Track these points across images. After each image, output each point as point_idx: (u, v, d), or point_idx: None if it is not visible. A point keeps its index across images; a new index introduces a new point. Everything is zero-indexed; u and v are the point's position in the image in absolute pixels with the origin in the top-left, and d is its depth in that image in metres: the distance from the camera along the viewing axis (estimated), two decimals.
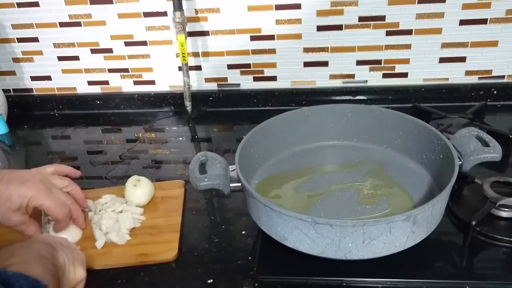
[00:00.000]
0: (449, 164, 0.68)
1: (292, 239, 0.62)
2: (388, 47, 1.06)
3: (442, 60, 1.07)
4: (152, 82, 1.17)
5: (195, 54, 1.12)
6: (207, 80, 1.15)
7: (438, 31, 1.03)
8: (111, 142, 1.06)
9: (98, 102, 1.19)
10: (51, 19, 1.11)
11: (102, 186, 0.87)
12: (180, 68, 1.13)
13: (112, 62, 1.15)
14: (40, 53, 1.16)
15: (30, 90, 1.21)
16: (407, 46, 1.06)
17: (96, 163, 0.97)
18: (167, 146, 1.02)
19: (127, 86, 1.18)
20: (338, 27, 1.05)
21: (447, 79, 1.09)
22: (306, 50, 1.08)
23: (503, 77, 1.08)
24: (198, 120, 1.13)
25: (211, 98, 1.15)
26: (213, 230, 0.75)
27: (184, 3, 1.04)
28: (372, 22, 1.04)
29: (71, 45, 1.14)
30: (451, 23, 1.02)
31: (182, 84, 1.12)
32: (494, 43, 1.04)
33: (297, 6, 1.03)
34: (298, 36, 1.07)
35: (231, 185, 0.69)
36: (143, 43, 1.12)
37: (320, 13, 1.04)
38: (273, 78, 1.13)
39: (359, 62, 1.09)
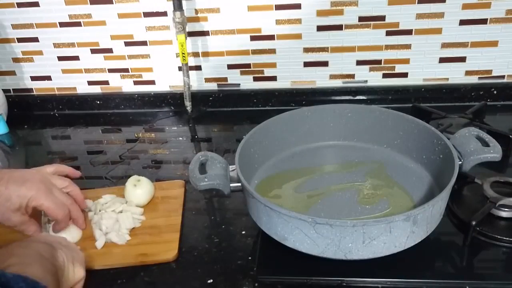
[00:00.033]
0: (449, 164, 0.68)
1: (292, 239, 0.62)
2: (388, 47, 1.06)
3: (442, 60, 1.07)
4: (152, 82, 1.17)
5: (195, 54, 1.12)
6: (207, 80, 1.15)
7: (438, 31, 1.03)
8: (111, 142, 1.06)
9: (98, 102, 1.19)
10: (51, 19, 1.11)
11: (102, 186, 0.87)
12: (180, 68, 1.13)
13: (112, 62, 1.15)
14: (40, 53, 1.16)
15: (30, 90, 1.21)
16: (407, 46, 1.06)
17: (96, 163, 0.97)
18: (167, 146, 1.02)
19: (127, 86, 1.18)
20: (338, 27, 1.05)
21: (447, 79, 1.09)
22: (306, 50, 1.08)
23: (503, 77, 1.08)
24: (198, 120, 1.13)
25: (211, 98, 1.15)
26: (213, 230, 0.75)
27: (184, 3, 1.04)
28: (372, 22, 1.04)
29: (71, 45, 1.14)
30: (451, 23, 1.02)
31: (182, 84, 1.12)
32: (494, 43, 1.04)
33: (297, 6, 1.03)
34: (298, 36, 1.07)
35: (231, 185, 0.69)
36: (143, 43, 1.12)
37: (320, 13, 1.04)
38: (273, 78, 1.13)
39: (359, 62, 1.09)
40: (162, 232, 0.73)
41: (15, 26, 1.13)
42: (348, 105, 0.86)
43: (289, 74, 1.12)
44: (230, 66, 1.12)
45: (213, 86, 1.16)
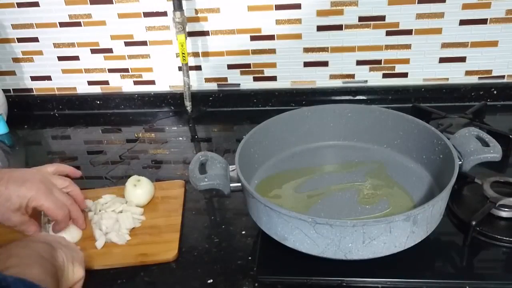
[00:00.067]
0: (449, 164, 0.68)
1: (292, 239, 0.62)
2: (388, 47, 1.06)
3: (442, 60, 1.07)
4: (152, 82, 1.17)
5: (195, 54, 1.12)
6: (207, 80, 1.15)
7: (438, 31, 1.03)
8: (111, 142, 1.06)
9: (98, 102, 1.19)
10: (51, 19, 1.11)
11: (102, 186, 0.87)
12: (180, 68, 1.13)
13: (112, 62, 1.15)
14: (40, 53, 1.16)
15: (30, 90, 1.22)
16: (407, 46, 1.06)
17: (96, 163, 0.97)
18: (167, 146, 1.02)
19: (127, 86, 1.18)
20: (338, 27, 1.05)
21: (447, 79, 1.09)
22: (306, 50, 1.08)
23: (503, 77, 1.08)
24: (198, 120, 1.13)
25: (211, 98, 1.15)
26: (213, 230, 0.75)
27: (184, 3, 1.04)
28: (372, 22, 1.04)
29: (71, 45, 1.14)
30: (451, 23, 1.02)
31: (182, 84, 1.12)
32: (494, 43, 1.04)
33: (297, 6, 1.03)
34: (298, 36, 1.07)
35: (231, 185, 0.69)
36: (143, 43, 1.12)
37: (320, 13, 1.04)
38: (273, 78, 1.13)
39: (359, 62, 1.09)
40: (162, 232, 0.73)
41: (15, 26, 1.13)
42: (348, 105, 0.86)
43: (289, 74, 1.12)
44: (230, 66, 1.12)
45: (213, 86, 1.16)
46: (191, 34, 1.09)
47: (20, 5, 1.09)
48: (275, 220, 0.62)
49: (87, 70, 1.17)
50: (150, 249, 0.70)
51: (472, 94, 1.08)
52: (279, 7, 1.04)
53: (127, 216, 0.75)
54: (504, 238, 0.67)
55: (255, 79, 1.14)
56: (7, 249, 0.55)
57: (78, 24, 1.11)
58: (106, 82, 1.18)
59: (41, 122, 1.18)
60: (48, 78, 1.19)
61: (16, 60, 1.17)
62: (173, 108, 1.17)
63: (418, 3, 1.00)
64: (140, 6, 1.07)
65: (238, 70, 1.13)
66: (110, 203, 0.78)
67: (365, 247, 0.59)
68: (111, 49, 1.13)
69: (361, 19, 1.03)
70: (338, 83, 1.12)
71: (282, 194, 0.76)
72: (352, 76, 1.11)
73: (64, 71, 1.18)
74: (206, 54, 1.11)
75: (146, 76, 1.16)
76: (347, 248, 0.59)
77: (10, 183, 0.64)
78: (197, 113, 1.15)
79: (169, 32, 1.09)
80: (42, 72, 1.19)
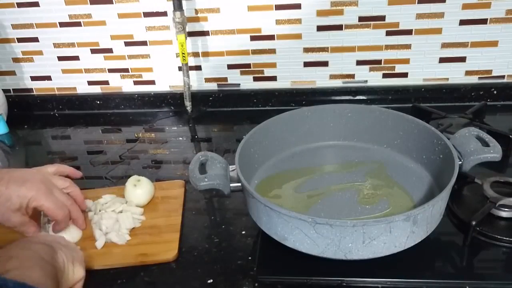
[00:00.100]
0: (449, 164, 0.68)
1: (292, 239, 0.62)
2: (388, 47, 1.06)
3: (442, 60, 1.07)
4: (152, 82, 1.17)
5: (195, 54, 1.12)
6: (207, 80, 1.15)
7: (438, 31, 1.03)
8: (111, 142, 1.06)
9: (98, 102, 1.19)
10: (51, 19, 1.11)
11: (102, 186, 0.87)
12: (180, 68, 1.13)
13: (112, 62, 1.15)
14: (40, 53, 1.16)
15: (30, 90, 1.22)
16: (407, 46, 1.06)
17: (96, 163, 0.97)
18: (167, 146, 1.02)
19: (127, 86, 1.18)
20: (338, 27, 1.05)
21: (447, 79, 1.09)
22: (306, 50, 1.08)
23: (503, 77, 1.08)
24: (198, 120, 1.13)
25: (211, 98, 1.15)
26: (213, 230, 0.75)
27: (184, 3, 1.04)
28: (372, 22, 1.04)
29: (71, 45, 1.14)
30: (451, 23, 1.02)
31: (182, 84, 1.12)
32: (494, 43, 1.04)
33: (297, 6, 1.03)
34: (298, 36, 1.07)
35: (231, 185, 0.69)
36: (143, 43, 1.12)
37: (320, 13, 1.04)
38: (273, 78, 1.13)
39: (359, 62, 1.09)
40: (162, 232, 0.73)
41: (15, 26, 1.13)
42: (348, 105, 0.86)
43: (289, 74, 1.12)
44: (230, 66, 1.12)
45: (213, 86, 1.16)
46: (191, 34, 1.09)
47: (20, 5, 1.09)
48: (275, 220, 0.62)
49: (87, 70, 1.17)
50: (150, 249, 0.70)
51: (472, 94, 1.08)
52: (279, 7, 1.04)
53: (127, 216, 0.75)
54: (504, 238, 0.67)
55: (255, 79, 1.14)
56: (7, 250, 0.55)
57: (78, 24, 1.11)
58: (106, 82, 1.18)
59: (41, 122, 1.18)
60: (48, 78, 1.19)
61: (16, 60, 1.17)
62: (173, 108, 1.17)
63: (418, 3, 1.00)
64: (140, 6, 1.07)
65: (238, 70, 1.13)
66: (110, 203, 0.78)
67: (365, 247, 0.59)
68: (111, 49, 1.13)
69: (361, 19, 1.03)
70: (338, 83, 1.12)
71: (282, 194, 0.76)
72: (352, 76, 1.11)
73: (64, 71, 1.18)
74: (206, 54, 1.11)
75: (146, 76, 1.16)
76: (347, 248, 0.59)
77: (10, 183, 0.64)
78: (197, 113, 1.15)
79: (169, 32, 1.09)
80: (42, 72, 1.19)
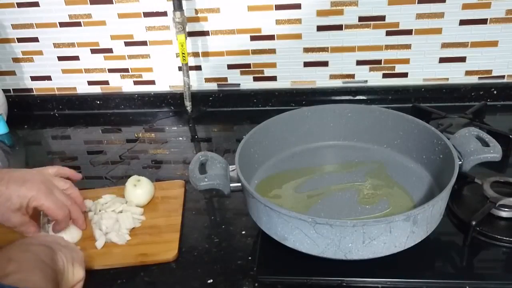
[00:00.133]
0: (449, 164, 0.68)
1: (292, 239, 0.62)
2: (388, 47, 1.06)
3: (442, 60, 1.07)
4: (152, 82, 1.17)
5: (195, 54, 1.12)
6: (207, 80, 1.15)
7: (438, 31, 1.03)
8: (111, 142, 1.06)
9: (98, 102, 1.19)
10: (51, 19, 1.11)
11: (102, 186, 0.87)
12: (180, 68, 1.13)
13: (112, 62, 1.15)
14: (40, 53, 1.16)
15: (30, 90, 1.22)
16: (407, 46, 1.06)
17: (96, 163, 0.97)
18: (167, 146, 1.02)
19: (127, 86, 1.18)
20: (338, 27, 1.05)
21: (447, 79, 1.09)
22: (306, 50, 1.08)
23: (503, 77, 1.08)
24: (198, 120, 1.13)
25: (211, 98, 1.15)
26: (213, 230, 0.75)
27: (184, 3, 1.04)
28: (372, 22, 1.04)
29: (71, 45, 1.14)
30: (451, 23, 1.02)
31: (182, 84, 1.12)
32: (494, 43, 1.04)
33: (297, 6, 1.03)
34: (298, 36, 1.07)
35: (231, 185, 0.69)
36: (143, 43, 1.12)
37: (320, 13, 1.04)
38: (273, 78, 1.13)
39: (359, 62, 1.09)
40: (162, 232, 0.73)
41: (15, 26, 1.13)
42: (348, 105, 0.86)
43: (289, 74, 1.12)
44: (230, 66, 1.12)
45: (213, 86, 1.16)
46: (191, 34, 1.09)
47: (20, 5, 1.09)
48: (275, 220, 0.62)
49: (87, 70, 1.17)
50: (150, 249, 0.70)
51: (472, 94, 1.08)
52: (279, 7, 1.04)
53: (127, 216, 0.75)
54: (504, 238, 0.67)
55: (255, 79, 1.14)
56: (6, 252, 0.54)
57: (78, 24, 1.11)
58: (106, 82, 1.18)
59: (41, 122, 1.18)
60: (48, 78, 1.19)
61: (16, 60, 1.17)
62: (173, 108, 1.17)
63: (418, 3, 1.00)
64: (140, 6, 1.07)
65: (238, 70, 1.13)
66: (110, 203, 0.78)
67: (365, 247, 0.59)
68: (111, 49, 1.13)
69: (361, 19, 1.03)
70: (338, 83, 1.12)
71: (282, 194, 0.76)
72: (352, 76, 1.11)
73: (64, 71, 1.18)
74: (206, 54, 1.11)
75: (146, 76, 1.16)
76: (347, 248, 0.59)
77: (10, 183, 0.64)
78: (197, 113, 1.15)
79: (169, 32, 1.09)
80: (42, 72, 1.19)
